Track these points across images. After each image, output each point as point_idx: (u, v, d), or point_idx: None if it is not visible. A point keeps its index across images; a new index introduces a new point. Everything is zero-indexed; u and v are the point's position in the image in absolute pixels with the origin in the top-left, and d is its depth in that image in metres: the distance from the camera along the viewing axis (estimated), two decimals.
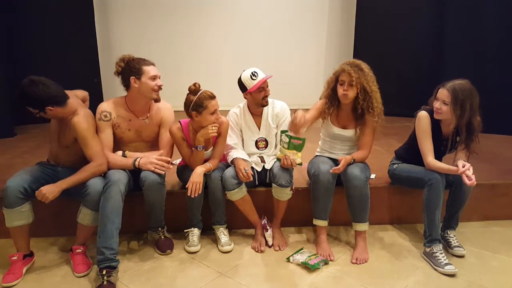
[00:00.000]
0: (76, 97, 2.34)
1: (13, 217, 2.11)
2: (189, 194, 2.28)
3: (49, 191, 2.06)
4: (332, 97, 2.44)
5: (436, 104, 2.30)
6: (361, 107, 2.35)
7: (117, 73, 2.31)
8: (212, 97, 2.31)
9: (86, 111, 2.26)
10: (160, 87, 2.33)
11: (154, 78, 2.30)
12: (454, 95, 2.22)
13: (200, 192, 2.31)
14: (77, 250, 2.22)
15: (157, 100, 2.37)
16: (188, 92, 2.33)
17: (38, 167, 2.30)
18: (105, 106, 2.34)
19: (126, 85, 2.32)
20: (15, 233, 2.17)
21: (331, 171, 2.30)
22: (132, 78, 2.27)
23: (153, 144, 2.47)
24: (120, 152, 2.35)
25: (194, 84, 2.32)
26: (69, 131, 2.22)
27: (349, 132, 2.49)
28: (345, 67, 2.33)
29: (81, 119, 2.19)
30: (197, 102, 2.27)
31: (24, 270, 2.17)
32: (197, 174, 2.31)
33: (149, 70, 2.29)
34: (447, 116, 2.29)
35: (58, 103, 2.14)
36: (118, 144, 2.40)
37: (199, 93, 2.28)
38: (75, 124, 2.17)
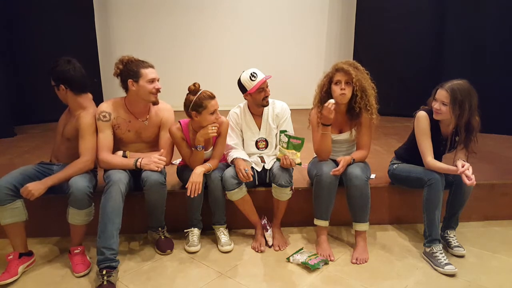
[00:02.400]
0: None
1: (5, 214, 2.12)
2: (188, 194, 2.28)
3: (35, 188, 2.07)
4: (325, 101, 2.38)
5: (435, 105, 2.30)
6: (358, 106, 2.34)
7: (115, 74, 2.31)
8: (212, 97, 2.30)
9: (96, 110, 2.32)
10: (158, 90, 2.32)
11: (152, 81, 2.28)
12: (453, 96, 2.22)
13: (199, 192, 2.31)
14: (75, 251, 2.22)
15: (155, 103, 2.37)
16: (187, 92, 2.33)
17: (32, 166, 2.33)
18: (104, 107, 2.33)
19: (125, 87, 2.32)
20: (10, 231, 2.18)
21: (331, 173, 2.30)
22: (130, 81, 2.27)
23: (154, 145, 2.47)
24: (120, 153, 2.35)
25: (194, 84, 2.32)
26: (74, 123, 2.27)
27: (345, 135, 2.50)
28: (342, 66, 2.33)
29: (89, 114, 2.28)
30: (196, 102, 2.27)
31: (20, 269, 2.15)
32: (197, 174, 2.31)
33: (147, 73, 2.27)
34: (446, 116, 2.29)
35: (73, 88, 2.25)
36: (119, 144, 2.40)
37: (198, 93, 2.28)
38: (81, 116, 2.25)
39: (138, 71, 2.26)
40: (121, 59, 2.30)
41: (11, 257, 2.16)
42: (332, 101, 2.27)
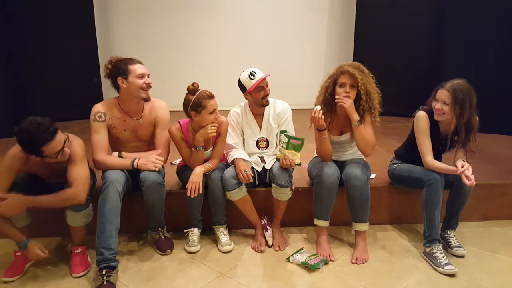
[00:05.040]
0: None
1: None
2: (188, 194, 2.28)
3: (9, 207, 1.92)
4: (329, 102, 2.39)
5: (437, 105, 2.30)
6: (362, 108, 2.33)
7: (106, 76, 2.31)
8: (211, 96, 2.30)
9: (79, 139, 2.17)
10: (148, 85, 2.31)
11: (141, 76, 2.27)
12: (454, 95, 2.22)
13: (200, 192, 2.30)
14: (75, 251, 2.22)
15: (146, 100, 2.34)
16: (187, 92, 2.32)
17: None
18: (99, 107, 2.33)
19: (116, 86, 2.32)
20: None
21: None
22: (119, 79, 2.26)
23: (151, 143, 2.46)
24: (116, 153, 2.35)
25: (193, 84, 2.32)
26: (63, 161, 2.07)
27: (346, 136, 2.50)
28: (348, 68, 2.30)
29: (76, 139, 2.12)
30: (195, 102, 2.27)
31: (26, 267, 2.19)
32: (197, 174, 2.30)
33: (136, 68, 2.26)
34: (448, 116, 2.29)
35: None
36: (117, 144, 2.40)
37: (197, 93, 2.28)
38: (74, 143, 2.08)
39: (127, 68, 2.25)
40: (110, 59, 2.30)
41: (18, 254, 2.17)
42: (318, 107, 2.26)
